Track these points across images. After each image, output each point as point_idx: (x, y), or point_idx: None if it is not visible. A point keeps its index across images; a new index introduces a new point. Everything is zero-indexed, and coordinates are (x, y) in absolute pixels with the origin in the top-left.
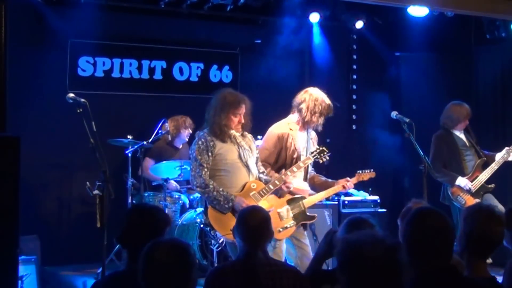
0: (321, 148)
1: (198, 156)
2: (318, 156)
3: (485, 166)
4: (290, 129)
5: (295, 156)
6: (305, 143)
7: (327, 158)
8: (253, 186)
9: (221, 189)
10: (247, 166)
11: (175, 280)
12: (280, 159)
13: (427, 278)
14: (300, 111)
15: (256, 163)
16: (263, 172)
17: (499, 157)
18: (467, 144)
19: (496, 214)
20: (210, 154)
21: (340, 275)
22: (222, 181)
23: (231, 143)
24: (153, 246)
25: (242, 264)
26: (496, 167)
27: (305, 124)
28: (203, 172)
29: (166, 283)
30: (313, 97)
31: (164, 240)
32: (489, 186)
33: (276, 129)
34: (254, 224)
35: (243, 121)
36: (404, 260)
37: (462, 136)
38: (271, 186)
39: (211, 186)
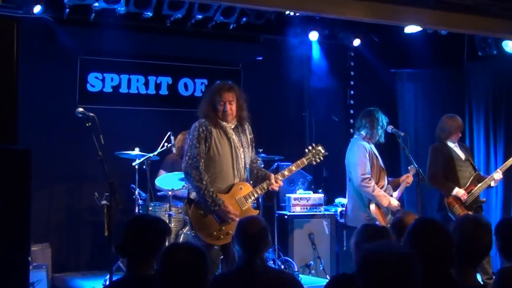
0: (317, 148)
1: (197, 144)
2: (313, 158)
3: (479, 180)
4: None
5: None
6: None
7: (321, 158)
8: (240, 188)
9: (212, 190)
10: (233, 165)
11: (192, 281)
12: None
13: (426, 283)
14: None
15: (251, 155)
16: (257, 161)
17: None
18: (462, 157)
19: (483, 222)
20: (207, 144)
21: (357, 281)
22: (209, 174)
23: (223, 136)
24: (173, 249)
25: (242, 272)
26: (489, 182)
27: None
28: (200, 163)
29: (183, 284)
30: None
31: (182, 243)
32: (481, 200)
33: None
34: (253, 233)
35: (230, 111)
36: (419, 270)
37: (457, 149)
38: (258, 191)
39: (204, 183)
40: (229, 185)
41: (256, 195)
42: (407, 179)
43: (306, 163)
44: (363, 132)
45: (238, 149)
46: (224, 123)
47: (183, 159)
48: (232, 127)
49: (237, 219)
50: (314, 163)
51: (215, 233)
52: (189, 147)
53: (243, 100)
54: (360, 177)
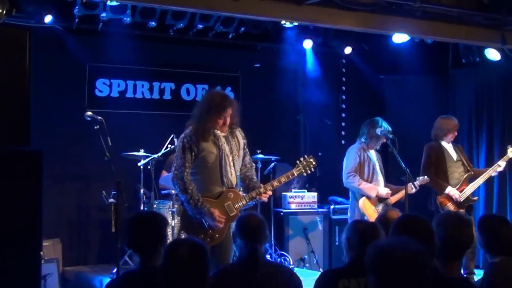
0: (308, 160)
1: (182, 154)
2: (303, 170)
3: (471, 180)
4: None
5: None
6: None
7: (312, 170)
8: (230, 195)
9: (197, 198)
10: (222, 172)
11: (193, 274)
12: None
13: None
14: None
15: (244, 159)
16: (251, 167)
17: (487, 172)
18: (455, 158)
19: (464, 218)
20: (193, 154)
21: (370, 277)
22: (198, 183)
23: (213, 145)
24: (175, 245)
25: (245, 263)
26: (481, 181)
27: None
28: (185, 174)
29: (185, 278)
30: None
31: (183, 239)
32: (474, 198)
33: None
34: (254, 226)
35: (228, 123)
36: (430, 264)
37: (451, 149)
38: (246, 199)
39: (189, 191)
40: (219, 192)
41: (244, 203)
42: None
43: (296, 174)
44: (362, 139)
45: (227, 157)
46: (218, 131)
47: (171, 169)
48: (224, 134)
49: (221, 225)
50: (305, 174)
51: (202, 236)
52: (175, 158)
53: (235, 108)
54: (345, 175)
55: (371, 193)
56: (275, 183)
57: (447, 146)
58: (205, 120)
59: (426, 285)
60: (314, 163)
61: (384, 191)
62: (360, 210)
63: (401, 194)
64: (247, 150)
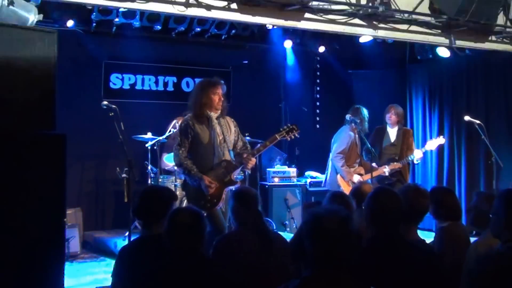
0: (291, 127)
1: (178, 137)
2: (286, 135)
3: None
4: None
5: None
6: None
7: (296, 135)
8: (223, 164)
9: (190, 167)
10: (214, 150)
11: (191, 237)
12: None
13: (381, 238)
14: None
15: (237, 143)
16: (246, 149)
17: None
18: (393, 142)
19: (421, 189)
20: (189, 136)
21: (305, 240)
22: (194, 158)
23: (206, 127)
24: (177, 211)
25: (256, 229)
26: (399, 165)
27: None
28: (180, 152)
29: (185, 239)
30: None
31: (184, 207)
32: (393, 178)
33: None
34: (253, 195)
35: (222, 98)
36: (355, 228)
37: (393, 135)
38: (236, 166)
39: (184, 165)
40: (213, 164)
41: (235, 170)
42: (383, 169)
43: (278, 138)
44: (353, 124)
45: (218, 135)
46: (212, 113)
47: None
48: (216, 116)
49: (213, 190)
50: (289, 139)
51: (203, 202)
52: (175, 139)
53: (224, 91)
54: (335, 152)
55: (347, 176)
56: (261, 148)
57: (391, 130)
58: (201, 97)
59: (352, 248)
60: (296, 128)
61: (356, 179)
62: (337, 182)
63: (372, 175)
64: (239, 137)
